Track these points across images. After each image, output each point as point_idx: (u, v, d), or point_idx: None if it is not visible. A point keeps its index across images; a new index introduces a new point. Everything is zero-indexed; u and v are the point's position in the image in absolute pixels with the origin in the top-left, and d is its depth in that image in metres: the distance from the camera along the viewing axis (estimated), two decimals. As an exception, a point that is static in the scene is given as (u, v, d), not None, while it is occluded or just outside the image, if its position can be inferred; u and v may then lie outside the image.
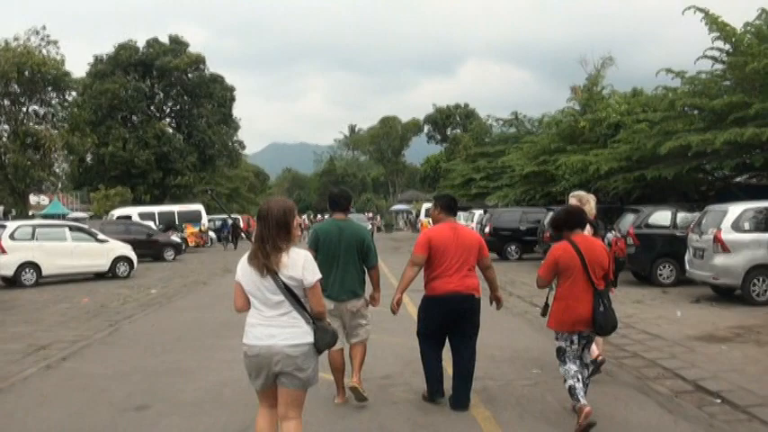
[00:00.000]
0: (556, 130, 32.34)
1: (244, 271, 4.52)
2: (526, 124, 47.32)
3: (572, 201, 7.93)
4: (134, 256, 24.02)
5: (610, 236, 8.12)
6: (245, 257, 4.55)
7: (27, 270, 21.22)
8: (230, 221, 46.18)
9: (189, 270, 26.55)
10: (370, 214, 65.71)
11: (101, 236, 23.52)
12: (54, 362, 9.88)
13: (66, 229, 22.86)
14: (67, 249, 22.12)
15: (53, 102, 41.11)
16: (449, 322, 6.78)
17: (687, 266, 15.58)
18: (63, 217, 41.98)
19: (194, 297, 17.94)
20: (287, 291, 4.41)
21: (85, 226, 25.04)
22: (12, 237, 21.29)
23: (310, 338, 4.47)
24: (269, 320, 4.46)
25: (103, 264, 23.16)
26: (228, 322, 12.51)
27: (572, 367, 6.26)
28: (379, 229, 65.73)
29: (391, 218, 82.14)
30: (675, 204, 18.80)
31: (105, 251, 23.22)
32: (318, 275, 4.54)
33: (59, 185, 49.04)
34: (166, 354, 10.21)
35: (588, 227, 6.96)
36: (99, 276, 23.21)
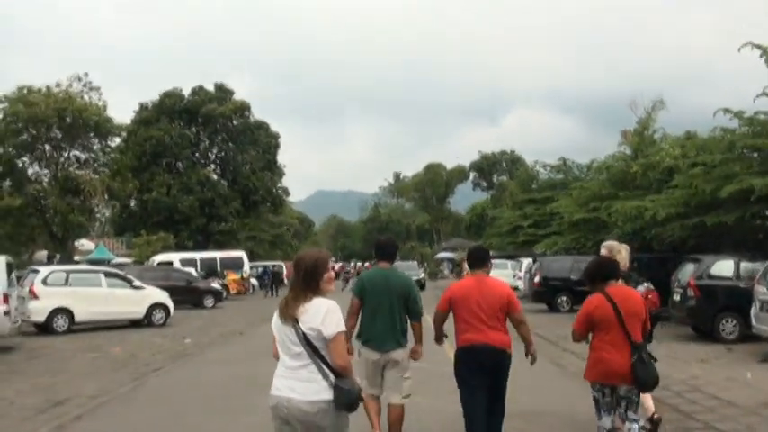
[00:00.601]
0: (606, 175, 31.36)
1: (276, 319, 4.41)
2: (574, 170, 46.42)
3: (603, 251, 7.61)
4: (170, 303, 23.36)
5: (641, 288, 7.63)
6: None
7: (59, 316, 20.63)
8: (271, 268, 45.78)
9: (227, 318, 25.84)
10: (415, 262, 64.33)
11: (136, 282, 22.94)
12: (68, 420, 9.16)
13: (102, 275, 22.32)
14: (102, 296, 21.53)
15: (94, 147, 41.15)
16: (481, 371, 6.53)
17: (753, 321, 14.29)
18: (108, 263, 41.90)
19: (228, 348, 17.15)
20: (306, 342, 4.21)
21: (121, 272, 24.49)
22: (44, 282, 20.77)
23: (328, 395, 4.21)
24: (290, 372, 4.29)
25: (139, 311, 22.54)
26: (259, 379, 11.67)
27: (607, 422, 6.14)
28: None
29: (436, 266, 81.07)
30: (738, 254, 17.58)
31: (141, 298, 22.61)
32: (342, 328, 4.27)
33: (101, 231, 49.08)
34: (188, 416, 9.37)
35: (620, 279, 6.52)
36: (134, 324, 22.55)
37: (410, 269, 48.63)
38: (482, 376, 6.52)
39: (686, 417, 8.89)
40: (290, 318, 4.24)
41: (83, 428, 8.80)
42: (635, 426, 6.12)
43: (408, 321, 7.00)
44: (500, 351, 6.49)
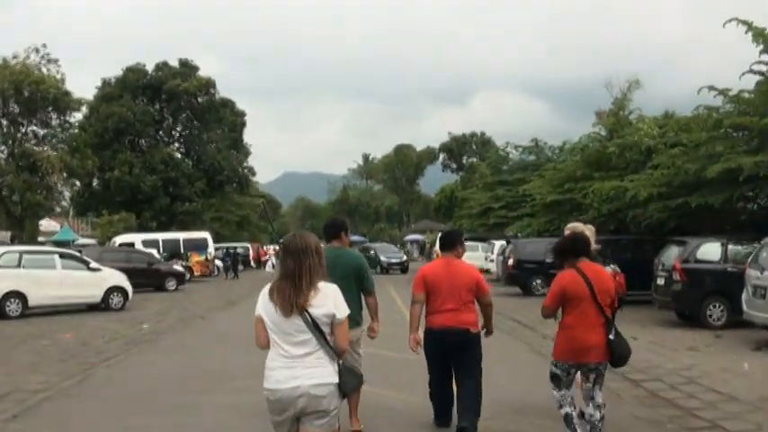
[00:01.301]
0: (581, 156, 30.64)
1: (266, 307, 4.24)
2: (546, 151, 45.85)
3: (566, 233, 7.34)
4: (129, 287, 22.22)
5: (608, 269, 7.32)
6: (265, 292, 4.29)
7: (12, 300, 19.42)
8: (232, 250, 44.76)
9: (189, 302, 24.75)
10: (393, 246, 60.90)
11: (93, 264, 21.76)
12: (1, 421, 8.11)
13: (56, 257, 21.10)
14: (57, 278, 20.32)
15: (53, 123, 39.53)
16: (447, 355, 6.96)
17: (745, 307, 13.54)
18: (72, 243, 40.57)
19: (187, 335, 16.14)
20: (316, 328, 4.16)
21: (77, 254, 23.29)
22: (-4, 264, 19.59)
23: (335, 378, 4.22)
24: (292, 362, 4.17)
25: (96, 294, 21.38)
26: (216, 372, 10.78)
27: (567, 394, 6.14)
28: None
29: (404, 248, 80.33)
30: (725, 236, 16.87)
31: (98, 281, 21.45)
32: (348, 310, 4.30)
33: (59, 210, 47.52)
34: (131, 416, 8.32)
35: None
36: (92, 308, 21.42)
37: (389, 251, 47.73)
38: (450, 356, 6.94)
39: (688, 414, 8.14)
40: (297, 307, 4.13)
41: (15, 431, 7.79)
42: (597, 414, 6.18)
43: (364, 299, 7.02)
44: (465, 331, 6.80)
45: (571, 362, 6.12)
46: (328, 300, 4.20)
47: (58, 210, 55.80)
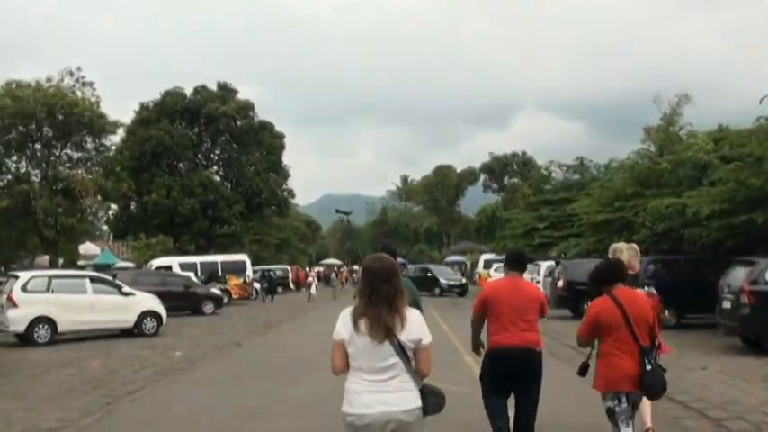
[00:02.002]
0: (630, 173, 29.50)
1: (349, 330, 4.20)
2: (592, 170, 44.73)
3: (610, 255, 7.43)
4: (163, 311, 21.42)
5: (641, 291, 7.09)
6: (347, 315, 4.25)
7: (40, 326, 18.73)
8: (268, 273, 44.20)
9: (226, 326, 23.92)
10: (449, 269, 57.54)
11: (126, 288, 21.04)
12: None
13: (87, 281, 20.40)
14: (87, 303, 19.59)
15: (88, 146, 38.99)
16: (509, 375, 6.72)
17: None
18: (111, 267, 40.24)
19: (221, 364, 15.21)
20: (403, 353, 4.17)
21: (109, 277, 22.61)
22: (24, 289, 18.90)
23: (419, 403, 4.21)
24: (377, 385, 4.15)
25: (128, 319, 20.63)
26: (251, 410, 9.82)
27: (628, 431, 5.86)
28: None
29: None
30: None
31: (131, 305, 20.69)
32: (430, 336, 4.31)
33: (97, 233, 47.21)
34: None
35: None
36: (125, 333, 20.71)
37: (447, 274, 46.63)
38: (511, 378, 6.71)
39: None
40: (387, 331, 4.12)
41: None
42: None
43: None
44: (530, 350, 6.62)
45: (613, 390, 5.90)
46: (414, 325, 4.22)
47: (97, 233, 55.75)
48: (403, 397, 4.15)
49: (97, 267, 36.72)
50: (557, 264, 28.59)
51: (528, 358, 6.66)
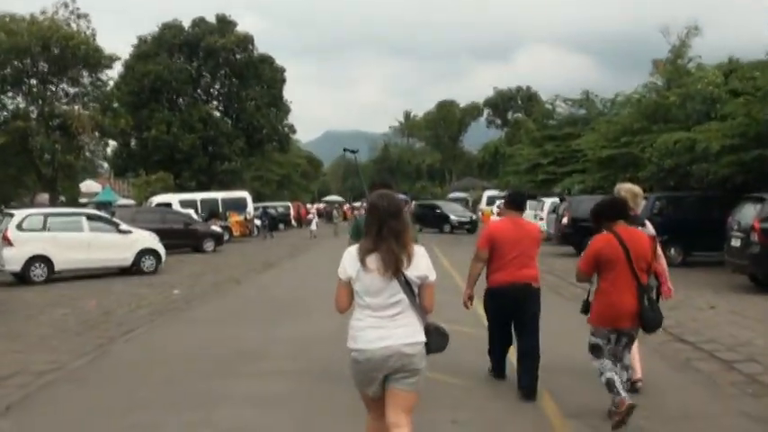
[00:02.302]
0: (638, 107, 28.83)
1: (355, 268, 4.20)
2: (597, 104, 43.76)
3: (622, 194, 7.13)
4: (162, 249, 21.11)
5: (642, 230, 6.84)
6: (353, 252, 4.25)
7: (37, 265, 18.50)
8: (267, 210, 43.90)
9: (226, 264, 23.65)
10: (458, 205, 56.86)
11: (123, 226, 20.67)
12: (-9, 412, 6.99)
13: (83, 218, 20.01)
14: (84, 241, 19.25)
15: (84, 80, 38.02)
16: (509, 310, 7.13)
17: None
18: (111, 204, 39.93)
19: (219, 302, 14.91)
20: (409, 289, 4.19)
21: (106, 215, 22.25)
22: (20, 227, 18.58)
23: (423, 337, 4.24)
24: (382, 321, 4.17)
25: (126, 257, 20.33)
26: (245, 352, 9.50)
27: (607, 362, 5.98)
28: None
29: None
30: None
31: (128, 243, 20.34)
32: (435, 272, 4.32)
33: (98, 171, 46.60)
34: (139, 409, 7.01)
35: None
36: (124, 271, 20.46)
37: (457, 211, 46.12)
38: (511, 313, 7.14)
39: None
40: (395, 268, 4.14)
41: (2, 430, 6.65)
42: (624, 375, 6.09)
43: None
44: (528, 285, 7.01)
45: (608, 327, 6.01)
46: (421, 261, 4.24)
47: (99, 170, 55.20)
48: (407, 332, 4.18)
49: (99, 205, 36.26)
50: (561, 200, 28.07)
51: (528, 294, 7.05)
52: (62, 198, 42.30)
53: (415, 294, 4.22)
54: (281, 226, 49.14)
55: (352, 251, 4.28)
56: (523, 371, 7.00)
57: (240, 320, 12.32)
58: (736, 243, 15.01)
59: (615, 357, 6.12)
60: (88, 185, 54.27)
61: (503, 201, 7.80)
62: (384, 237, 4.16)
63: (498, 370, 7.66)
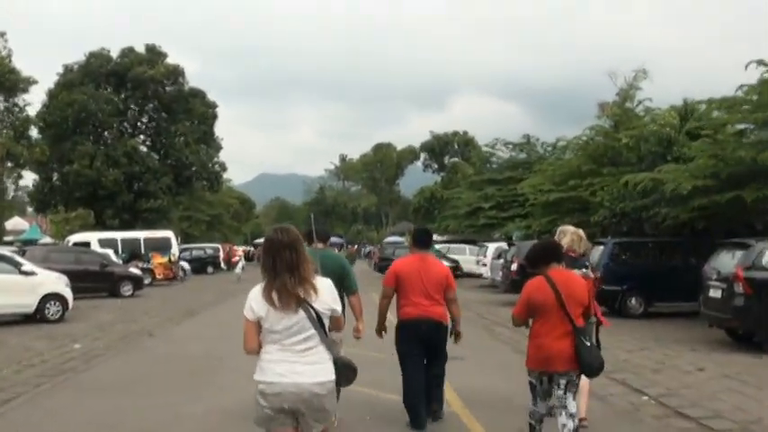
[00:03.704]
0: (585, 150, 27.82)
1: (261, 307, 4.11)
2: (539, 148, 43.08)
3: (567, 237, 7.34)
4: (69, 293, 18.74)
5: (578, 273, 6.70)
6: (257, 291, 4.16)
7: None
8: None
9: (142, 311, 21.26)
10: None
11: (27, 266, 18.35)
12: None
13: (-21, 258, 17.67)
14: (-22, 283, 16.92)
15: (-1, 105, 35.36)
16: (419, 343, 7.36)
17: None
18: (35, 243, 37.39)
19: (124, 362, 12.62)
20: (319, 324, 4.14)
21: (7, 253, 19.84)
22: None
23: (333, 376, 4.21)
24: (295, 356, 4.11)
25: (28, 303, 17.93)
26: (147, 421, 7.45)
27: (538, 411, 6.05)
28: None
29: (383, 250, 77.10)
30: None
31: (31, 286, 17.96)
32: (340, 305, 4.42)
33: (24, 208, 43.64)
34: None
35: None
36: (29, 319, 18.05)
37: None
38: (422, 347, 7.42)
39: None
40: (300, 301, 4.07)
41: None
42: (570, 424, 5.87)
43: (346, 299, 6.95)
44: (438, 323, 7.34)
45: (539, 369, 5.96)
46: (326, 293, 4.20)
47: (28, 207, 52.16)
48: (317, 370, 4.12)
49: (25, 243, 33.76)
50: (509, 246, 26.82)
51: (436, 330, 7.33)
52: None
53: (326, 329, 4.17)
54: (210, 269, 46.86)
55: (256, 290, 4.18)
56: (433, 396, 7.58)
57: (144, 387, 10.11)
58: (715, 294, 13.49)
59: (555, 405, 5.98)
60: (15, 223, 51.53)
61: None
62: (278, 271, 4.08)
63: (417, 421, 7.38)
